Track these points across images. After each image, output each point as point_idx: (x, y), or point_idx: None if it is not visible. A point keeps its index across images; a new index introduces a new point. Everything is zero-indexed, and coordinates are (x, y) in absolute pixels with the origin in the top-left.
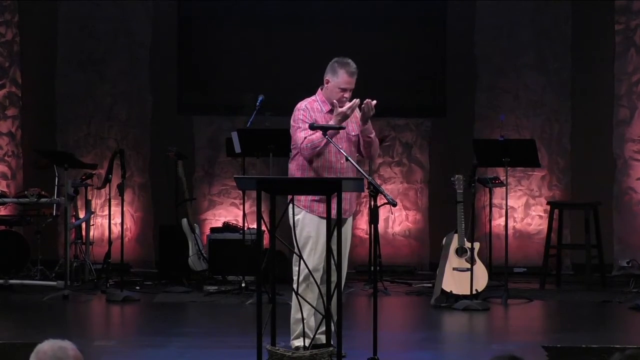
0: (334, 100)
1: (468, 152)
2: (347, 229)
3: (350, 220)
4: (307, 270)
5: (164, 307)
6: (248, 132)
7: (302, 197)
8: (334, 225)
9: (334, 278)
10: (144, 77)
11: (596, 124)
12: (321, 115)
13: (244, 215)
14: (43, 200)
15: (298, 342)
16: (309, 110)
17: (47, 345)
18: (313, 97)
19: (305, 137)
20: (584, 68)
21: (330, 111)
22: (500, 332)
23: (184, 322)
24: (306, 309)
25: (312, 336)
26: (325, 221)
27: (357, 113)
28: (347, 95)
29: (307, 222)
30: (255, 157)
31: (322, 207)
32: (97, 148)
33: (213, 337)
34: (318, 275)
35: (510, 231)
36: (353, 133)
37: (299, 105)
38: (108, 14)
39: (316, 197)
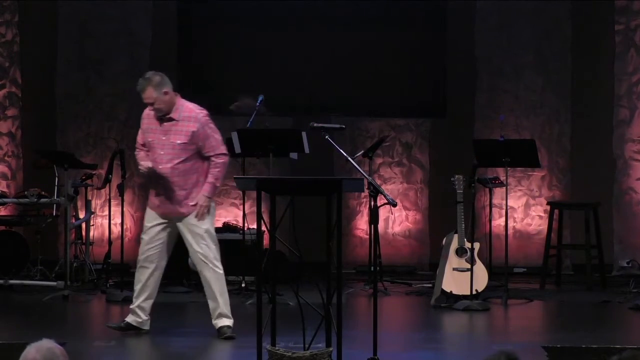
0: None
1: (468, 152)
2: (194, 225)
3: (189, 218)
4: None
5: (164, 307)
6: (248, 132)
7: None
8: (334, 225)
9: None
10: None
11: (596, 124)
12: (151, 120)
13: (244, 215)
14: (43, 200)
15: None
16: (146, 117)
17: (34, 350)
18: None
19: (137, 152)
20: (584, 68)
21: (159, 118)
22: (500, 332)
23: (184, 322)
24: (137, 288)
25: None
26: (154, 213)
27: (188, 125)
28: (151, 108)
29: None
30: (255, 157)
31: (152, 201)
32: (97, 148)
33: (213, 337)
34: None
35: (510, 231)
36: (177, 142)
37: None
38: (108, 14)
39: (153, 192)
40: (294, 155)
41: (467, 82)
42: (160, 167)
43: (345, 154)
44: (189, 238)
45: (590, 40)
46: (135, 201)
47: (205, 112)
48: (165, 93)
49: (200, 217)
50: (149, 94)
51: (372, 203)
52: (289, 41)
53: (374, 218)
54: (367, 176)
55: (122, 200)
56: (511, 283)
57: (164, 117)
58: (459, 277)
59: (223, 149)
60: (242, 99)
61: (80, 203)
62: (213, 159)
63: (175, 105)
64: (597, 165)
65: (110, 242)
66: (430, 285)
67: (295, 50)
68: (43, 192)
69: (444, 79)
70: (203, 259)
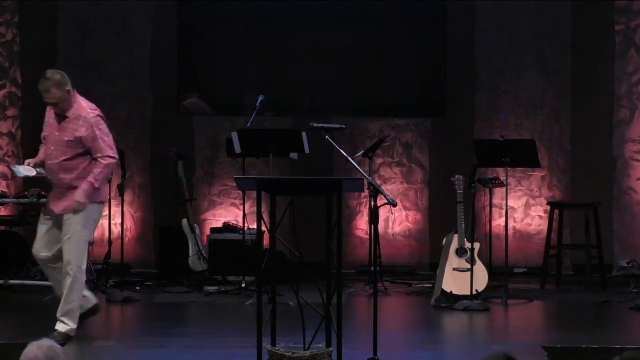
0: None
1: (468, 152)
2: (66, 224)
3: (71, 217)
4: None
5: (164, 307)
6: (248, 132)
7: None
8: (334, 225)
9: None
10: (144, 77)
11: (596, 124)
12: (50, 115)
13: (244, 215)
14: (43, 200)
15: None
16: (47, 111)
17: (35, 348)
18: None
19: (40, 147)
20: (584, 68)
21: (56, 114)
22: (500, 332)
23: (184, 322)
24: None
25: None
26: (43, 214)
27: (81, 125)
28: (52, 107)
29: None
30: (255, 157)
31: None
32: None
33: (213, 337)
34: (41, 259)
35: (510, 231)
36: (65, 139)
37: None
38: (108, 14)
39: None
40: (294, 155)
41: (467, 82)
42: (49, 162)
43: (345, 154)
44: (63, 234)
45: (590, 40)
46: (135, 201)
47: (97, 112)
48: (68, 92)
49: (73, 211)
50: (54, 93)
51: (372, 203)
52: (289, 41)
53: (374, 218)
54: (367, 176)
55: (122, 200)
56: (511, 283)
57: (60, 114)
58: (459, 277)
59: (111, 152)
60: (193, 97)
61: None
62: (99, 159)
63: (70, 103)
64: (597, 165)
65: (110, 242)
66: (430, 285)
67: (295, 50)
68: (43, 192)
69: (444, 79)
70: (65, 261)
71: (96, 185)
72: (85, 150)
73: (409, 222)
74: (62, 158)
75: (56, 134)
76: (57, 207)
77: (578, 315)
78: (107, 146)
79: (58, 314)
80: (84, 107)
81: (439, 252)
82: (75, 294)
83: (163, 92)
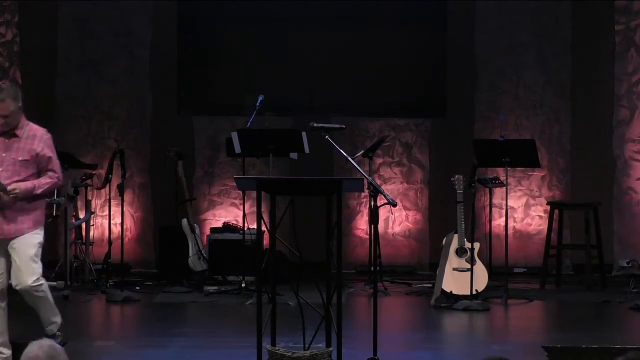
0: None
1: (468, 152)
2: (18, 248)
3: (20, 240)
4: None
5: (164, 307)
6: (248, 132)
7: None
8: (334, 225)
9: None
10: (144, 77)
11: (596, 124)
12: None
13: (244, 215)
14: None
15: None
16: None
17: (36, 347)
18: None
19: None
20: (584, 68)
21: (1, 133)
22: (500, 332)
23: (184, 322)
24: None
25: None
26: None
27: (32, 143)
28: (1, 120)
29: None
30: (255, 157)
31: None
32: (97, 148)
33: (213, 337)
34: None
35: (510, 231)
36: (19, 158)
37: None
38: (108, 14)
39: None
40: (294, 155)
41: (467, 82)
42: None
43: (345, 154)
44: (16, 260)
45: (590, 40)
46: (135, 201)
47: (49, 135)
48: (20, 108)
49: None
50: (8, 104)
51: (372, 203)
52: (289, 41)
53: (374, 218)
54: (367, 176)
55: (122, 200)
56: (511, 283)
57: (7, 132)
58: (459, 277)
59: (61, 175)
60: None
61: (80, 203)
62: (49, 173)
63: (21, 123)
64: (597, 165)
65: (110, 242)
66: (430, 285)
67: (295, 50)
68: None
69: (444, 79)
70: (24, 284)
71: (36, 191)
72: (37, 172)
73: (409, 222)
74: (15, 179)
75: (3, 154)
76: (6, 230)
77: (578, 315)
78: (58, 168)
79: (45, 325)
80: (37, 128)
81: (439, 252)
82: (49, 300)
83: (163, 92)
